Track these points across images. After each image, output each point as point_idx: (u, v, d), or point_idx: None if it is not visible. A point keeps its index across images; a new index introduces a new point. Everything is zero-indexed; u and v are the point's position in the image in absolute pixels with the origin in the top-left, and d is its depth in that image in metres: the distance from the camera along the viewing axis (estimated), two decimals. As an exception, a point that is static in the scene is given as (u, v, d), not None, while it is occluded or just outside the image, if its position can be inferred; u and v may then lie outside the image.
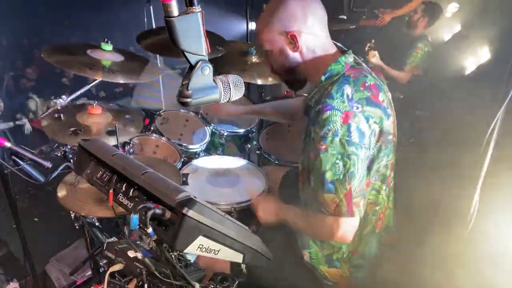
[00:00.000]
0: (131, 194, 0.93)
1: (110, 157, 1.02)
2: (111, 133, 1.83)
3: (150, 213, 0.80)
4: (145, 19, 3.63)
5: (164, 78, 3.77)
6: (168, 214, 0.82)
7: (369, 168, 1.30)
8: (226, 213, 0.91)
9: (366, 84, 1.28)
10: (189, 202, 0.81)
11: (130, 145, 2.04)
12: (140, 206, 0.81)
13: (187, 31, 0.83)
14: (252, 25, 3.52)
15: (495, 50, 2.95)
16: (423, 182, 2.06)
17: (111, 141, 1.80)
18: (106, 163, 1.01)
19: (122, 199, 0.95)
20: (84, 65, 1.80)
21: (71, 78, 5.69)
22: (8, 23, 6.10)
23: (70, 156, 1.83)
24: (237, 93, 0.98)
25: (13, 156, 1.55)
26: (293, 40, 1.32)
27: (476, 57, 3.14)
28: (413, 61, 3.45)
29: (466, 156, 1.80)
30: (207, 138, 2.46)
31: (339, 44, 1.43)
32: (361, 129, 1.22)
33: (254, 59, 2.50)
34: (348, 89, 1.25)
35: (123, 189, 0.95)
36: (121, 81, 1.87)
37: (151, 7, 3.53)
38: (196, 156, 2.35)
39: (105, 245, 0.98)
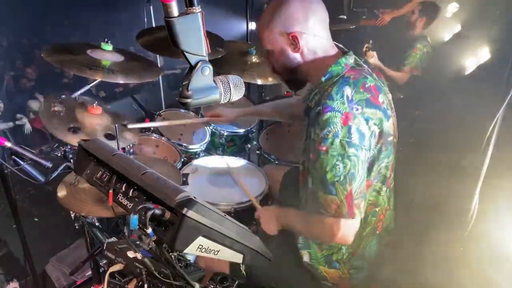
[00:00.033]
0: (130, 194, 0.93)
1: (110, 157, 1.02)
2: (110, 136, 1.83)
3: (149, 213, 0.80)
4: (145, 19, 3.64)
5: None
6: (167, 215, 0.82)
7: (369, 170, 1.30)
8: (226, 213, 0.91)
9: (366, 86, 1.28)
10: (189, 202, 0.81)
11: (130, 145, 2.03)
12: (140, 207, 0.81)
13: (187, 31, 0.83)
14: (252, 25, 3.52)
15: (495, 50, 2.95)
16: (423, 182, 2.07)
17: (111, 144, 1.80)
18: (106, 163, 1.01)
19: (122, 199, 0.95)
20: (84, 65, 1.80)
21: (71, 78, 5.70)
22: (8, 23, 6.11)
23: (70, 156, 1.83)
24: (237, 94, 0.98)
25: (13, 156, 1.55)
26: (294, 41, 1.32)
27: (476, 57, 3.14)
28: (412, 61, 3.45)
29: (466, 156, 1.80)
30: (207, 138, 2.46)
31: (340, 45, 1.43)
32: (361, 131, 1.22)
33: (254, 59, 2.50)
34: (348, 91, 1.25)
35: (123, 189, 0.95)
36: (121, 81, 1.87)
37: (151, 7, 3.53)
38: (196, 156, 2.35)
39: (105, 245, 0.98)
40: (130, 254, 0.89)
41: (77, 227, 1.72)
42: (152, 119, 2.41)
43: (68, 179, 1.68)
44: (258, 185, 1.87)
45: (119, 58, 1.98)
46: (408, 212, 1.74)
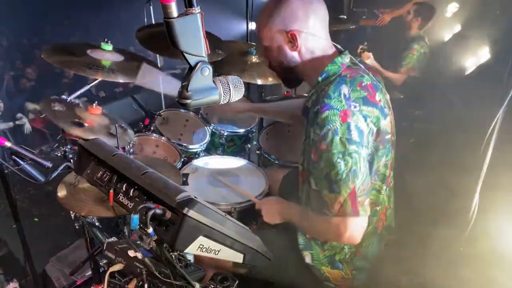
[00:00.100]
0: (131, 194, 0.93)
1: (110, 157, 1.02)
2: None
3: (150, 213, 0.80)
4: (145, 19, 3.64)
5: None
6: (168, 214, 0.82)
7: (368, 168, 1.30)
8: (226, 213, 0.91)
9: (363, 84, 1.28)
10: (190, 202, 0.81)
11: (130, 145, 2.03)
12: (141, 206, 0.81)
13: (186, 32, 0.83)
14: (252, 25, 3.52)
15: (495, 50, 2.95)
16: (423, 182, 2.07)
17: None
18: (107, 163, 1.01)
19: (122, 199, 0.95)
20: (84, 65, 1.80)
21: (71, 78, 5.70)
22: (8, 23, 6.12)
23: (70, 156, 1.83)
24: (237, 94, 0.98)
25: (13, 156, 1.55)
26: (292, 39, 1.31)
27: (476, 57, 3.14)
28: (409, 62, 3.46)
29: (466, 156, 1.80)
30: (207, 138, 2.46)
31: (338, 46, 1.43)
32: (360, 128, 1.23)
33: (254, 59, 2.49)
34: (345, 89, 1.25)
35: (124, 189, 0.95)
36: (121, 81, 1.87)
37: (151, 7, 3.53)
38: (196, 156, 2.35)
39: (105, 245, 0.98)
40: (131, 253, 0.89)
41: (77, 227, 1.72)
42: (152, 119, 2.41)
43: (68, 179, 1.68)
44: (258, 185, 1.87)
45: (119, 58, 1.98)
46: (408, 211, 1.74)
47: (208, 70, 0.90)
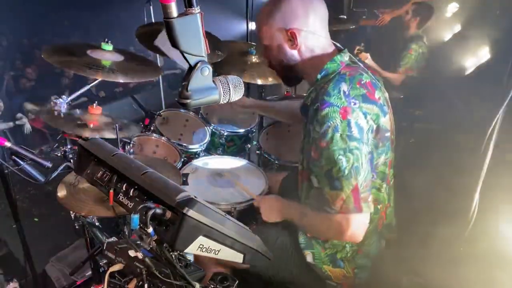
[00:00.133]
0: (131, 194, 0.93)
1: (110, 157, 1.02)
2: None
3: (150, 213, 0.80)
4: (145, 19, 3.64)
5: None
6: (168, 214, 0.82)
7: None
8: (226, 213, 0.92)
9: (362, 82, 1.28)
10: (190, 202, 0.81)
11: (130, 145, 2.03)
12: (141, 206, 0.82)
13: (186, 32, 0.83)
14: (252, 25, 3.52)
15: (495, 50, 2.95)
16: (423, 182, 2.07)
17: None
18: (107, 163, 1.01)
19: (122, 199, 0.95)
20: (84, 65, 1.80)
21: (71, 78, 5.70)
22: (8, 23, 6.11)
23: (70, 156, 1.83)
24: (237, 94, 0.98)
25: (13, 156, 1.55)
26: (292, 37, 1.32)
27: (476, 57, 3.14)
28: (407, 62, 3.46)
29: (466, 156, 1.80)
30: (207, 138, 2.46)
31: (338, 45, 1.43)
32: (360, 124, 1.23)
33: (254, 59, 2.50)
34: (344, 86, 1.25)
35: (124, 189, 0.95)
36: (121, 80, 1.86)
37: (151, 7, 3.54)
38: (196, 156, 2.35)
39: (105, 245, 0.98)
40: (131, 253, 0.89)
41: (77, 227, 1.72)
42: (152, 119, 2.40)
43: (68, 179, 1.68)
44: (258, 185, 1.87)
45: (119, 58, 1.98)
46: (408, 211, 1.74)
47: (208, 70, 0.90)
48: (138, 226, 0.82)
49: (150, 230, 0.81)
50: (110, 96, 5.96)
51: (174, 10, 0.81)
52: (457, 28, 3.60)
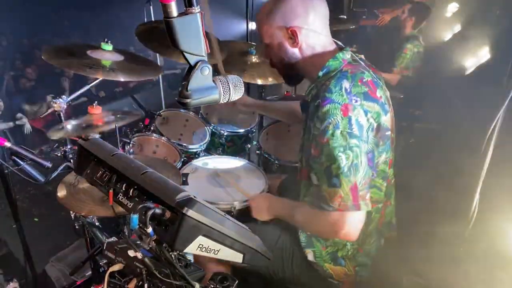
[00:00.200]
0: (131, 194, 0.93)
1: (110, 157, 1.02)
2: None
3: (150, 212, 0.80)
4: (145, 19, 3.64)
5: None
6: (168, 214, 0.82)
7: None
8: (226, 213, 0.91)
9: (364, 80, 1.28)
10: (189, 201, 0.81)
11: (130, 145, 2.03)
12: (140, 206, 0.81)
13: (186, 31, 0.83)
14: (252, 25, 3.52)
15: (495, 50, 2.95)
16: (423, 181, 2.07)
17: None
18: (106, 163, 1.01)
19: (122, 198, 0.95)
20: (84, 65, 1.80)
21: (71, 78, 5.70)
22: (8, 23, 6.11)
23: (70, 156, 1.83)
24: (237, 94, 0.98)
25: (13, 156, 1.54)
26: (293, 36, 1.32)
27: (476, 57, 3.14)
28: (402, 62, 3.45)
29: (466, 156, 1.80)
30: (207, 138, 2.46)
31: (339, 43, 1.43)
32: (360, 122, 1.22)
33: (254, 59, 2.50)
34: (346, 84, 1.25)
35: (123, 189, 0.95)
36: (121, 79, 1.86)
37: (151, 7, 3.54)
38: (196, 156, 2.35)
39: (105, 245, 0.98)
40: (131, 253, 0.89)
41: (77, 227, 1.72)
42: (152, 119, 2.41)
43: (68, 179, 1.68)
44: (257, 185, 1.87)
45: (119, 58, 1.97)
46: (408, 211, 1.74)
47: (208, 70, 0.90)
48: (138, 226, 0.82)
49: (150, 230, 0.81)
50: (110, 96, 5.96)
51: (174, 10, 0.81)
52: (457, 28, 3.59)
